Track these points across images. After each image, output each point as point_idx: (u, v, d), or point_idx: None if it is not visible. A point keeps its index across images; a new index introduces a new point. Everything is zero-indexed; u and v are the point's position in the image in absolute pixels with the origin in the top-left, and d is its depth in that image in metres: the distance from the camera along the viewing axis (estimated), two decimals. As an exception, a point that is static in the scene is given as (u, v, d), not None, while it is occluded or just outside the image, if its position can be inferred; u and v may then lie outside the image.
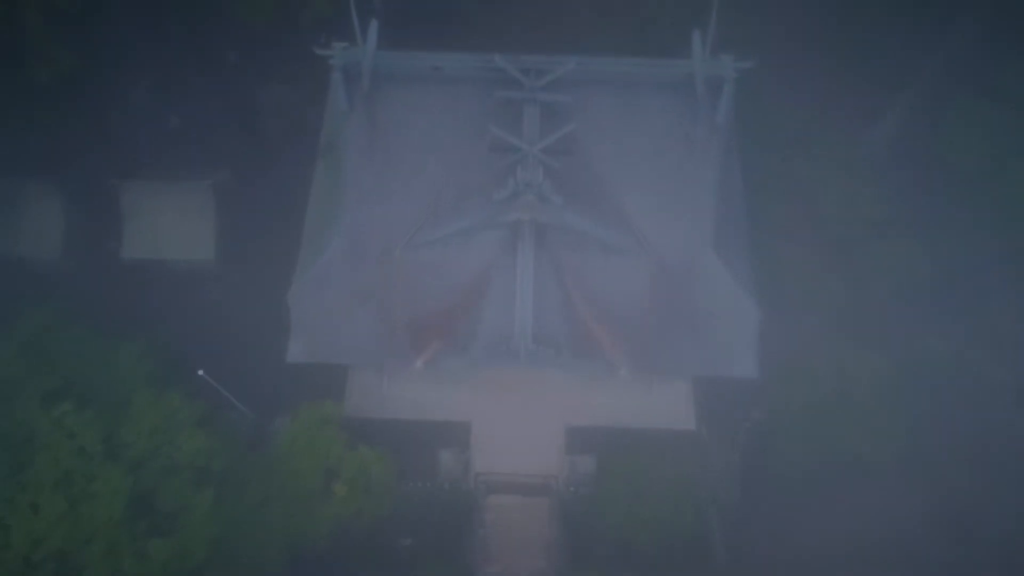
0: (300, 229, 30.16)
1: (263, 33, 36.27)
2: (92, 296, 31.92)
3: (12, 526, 21.93)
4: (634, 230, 27.37)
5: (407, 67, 25.87)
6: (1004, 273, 32.75)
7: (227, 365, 29.96)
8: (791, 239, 32.31)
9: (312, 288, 28.13)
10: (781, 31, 31.63)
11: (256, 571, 26.44)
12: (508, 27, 33.58)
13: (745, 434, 31.28)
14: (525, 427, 30.70)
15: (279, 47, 36.83)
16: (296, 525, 26.73)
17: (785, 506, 30.64)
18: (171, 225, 33.39)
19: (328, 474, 27.56)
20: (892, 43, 32.85)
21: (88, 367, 25.38)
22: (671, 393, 31.20)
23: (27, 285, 31.35)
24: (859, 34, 33.21)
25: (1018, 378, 31.85)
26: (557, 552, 29.52)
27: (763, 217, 31.58)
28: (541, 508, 29.99)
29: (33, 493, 22.25)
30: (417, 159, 26.98)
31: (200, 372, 25.56)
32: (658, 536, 28.32)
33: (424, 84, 26.21)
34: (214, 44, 37.82)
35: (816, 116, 32.72)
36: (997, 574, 30.08)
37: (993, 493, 31.45)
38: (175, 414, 24.07)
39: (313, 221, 30.03)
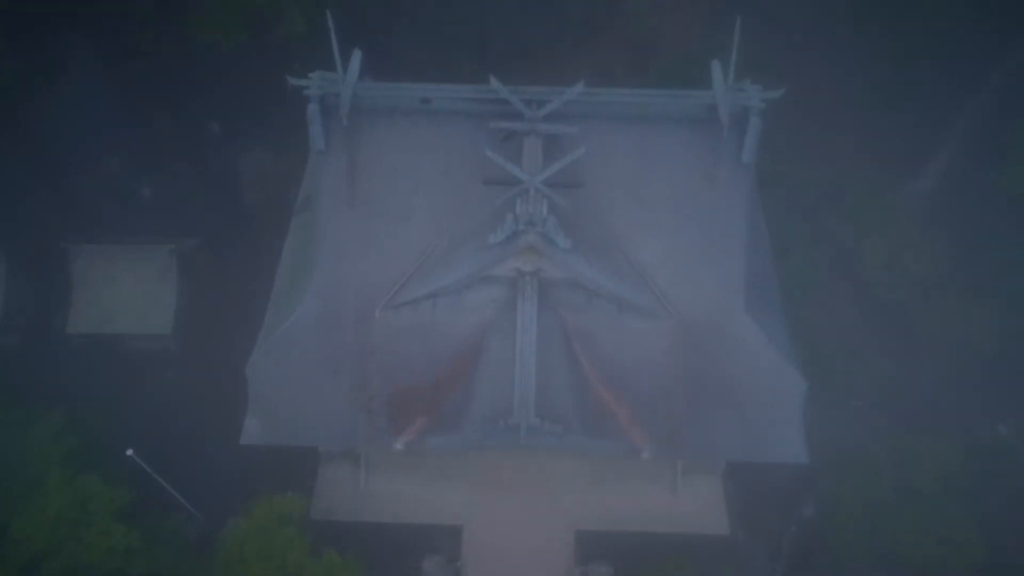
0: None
1: (246, 96, 34.17)
2: (26, 371, 27.77)
3: None
4: (652, 285, 23.63)
5: (392, 100, 23.06)
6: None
7: (178, 455, 26.31)
8: (829, 309, 28.66)
9: (276, 356, 24.11)
10: (802, 81, 29.17)
11: None
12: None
13: (791, 538, 26.47)
14: (527, 532, 26.25)
15: (264, 115, 34.80)
16: (240, 652, 21.29)
17: (840, 628, 25.40)
18: (126, 295, 29.75)
19: (285, 586, 22.46)
20: (928, 81, 30.29)
21: (-7, 442, 20.84)
22: (700, 489, 26.83)
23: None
24: (890, 75, 30.69)
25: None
26: None
27: (795, 285, 27.93)
28: (547, 632, 24.85)
29: None
30: (402, 205, 23.67)
31: (129, 452, 21.02)
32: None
33: (411, 119, 23.30)
34: (197, 114, 35.77)
35: (847, 169, 29.69)
36: None
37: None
38: (89, 501, 19.26)
39: (283, 282, 26.44)
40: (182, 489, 25.58)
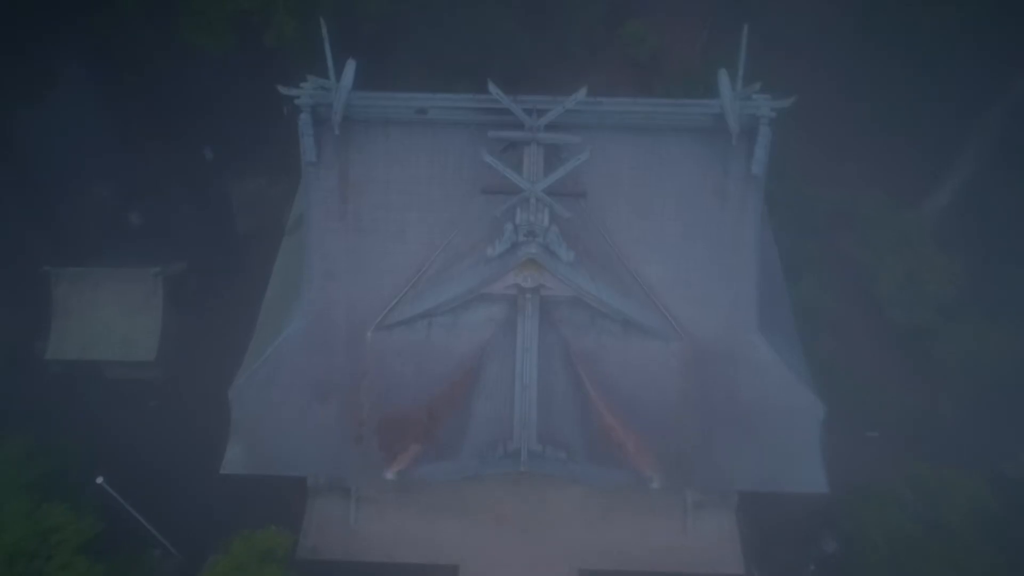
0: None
1: (240, 121, 33.47)
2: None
3: None
4: (659, 304, 22.43)
5: (386, 110, 22.18)
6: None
7: (159, 488, 25.17)
8: (843, 333, 27.35)
9: (261, 380, 22.78)
10: (809, 100, 28.41)
11: None
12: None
13: (812, 576, 24.64)
14: (528, 571, 24.46)
15: (258, 140, 34.11)
16: None
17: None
18: (109, 320, 28.46)
19: (265, 629, 20.72)
20: (939, 97, 29.33)
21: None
22: (712, 525, 25.24)
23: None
24: (900, 92, 29.76)
25: None
26: None
27: (807, 309, 26.76)
28: None
29: None
30: (396, 220, 22.63)
31: (99, 480, 19.52)
32: None
33: (406, 130, 22.38)
34: (190, 140, 35.02)
35: (858, 188, 28.66)
36: None
37: None
38: (52, 532, 17.65)
39: (271, 304, 25.24)
40: (161, 523, 24.10)
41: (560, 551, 24.71)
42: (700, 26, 32.87)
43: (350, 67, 22.08)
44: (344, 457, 22.48)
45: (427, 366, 22.44)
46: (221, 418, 23.69)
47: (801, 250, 27.81)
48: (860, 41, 30.39)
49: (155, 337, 28.54)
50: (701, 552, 24.73)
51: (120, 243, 32.49)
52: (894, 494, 24.53)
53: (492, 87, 21.05)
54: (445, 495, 24.83)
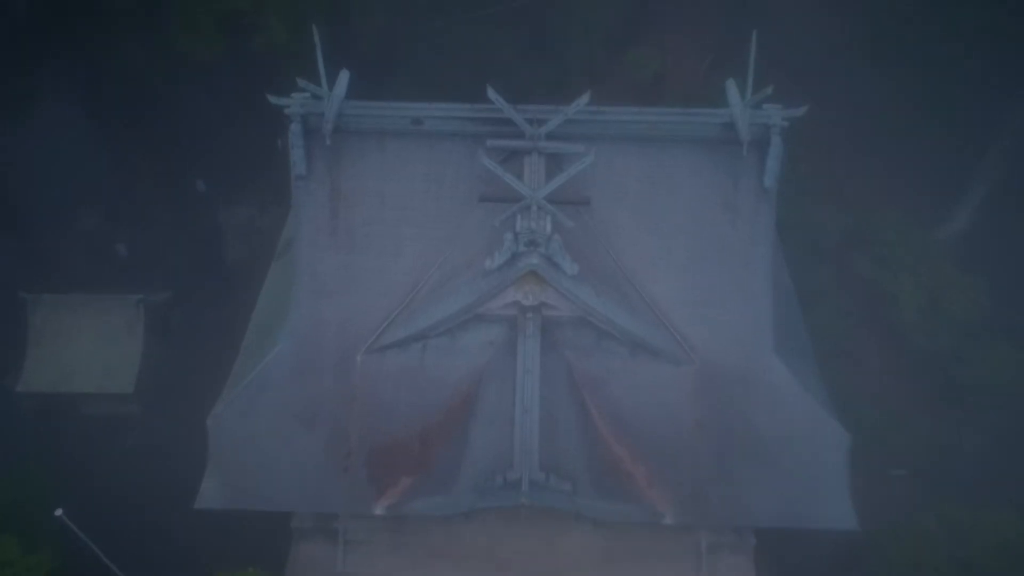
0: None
1: (233, 151, 32.61)
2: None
3: None
4: (669, 324, 21.06)
5: (380, 120, 21.21)
6: None
7: (132, 528, 23.83)
8: (862, 362, 25.90)
9: (242, 406, 21.22)
10: (820, 120, 27.60)
11: None
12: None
13: (839, 626, 22.72)
14: (529, 620, 22.31)
15: (251, 170, 33.25)
16: None
17: None
18: (87, 350, 27.04)
19: None
20: (955, 112, 28.37)
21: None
22: (728, 570, 23.15)
23: None
24: (914, 109, 28.84)
25: None
26: None
27: (824, 337, 25.38)
28: None
29: None
30: (389, 236, 21.37)
31: (58, 512, 17.88)
32: None
33: (401, 141, 21.37)
34: (180, 166, 34.18)
35: (874, 210, 27.55)
36: None
37: None
38: (4, 567, 15.93)
39: (257, 328, 23.84)
40: (134, 563, 22.21)
41: (565, 598, 22.90)
42: (705, 51, 32.37)
43: (343, 76, 21.16)
44: (330, 490, 20.73)
45: (421, 391, 20.90)
46: (202, 455, 22.12)
47: (815, 275, 26.57)
48: (869, 61, 29.72)
49: (134, 368, 27.09)
50: (717, 598, 22.88)
51: (103, 270, 31.34)
52: (923, 532, 22.82)
53: (491, 93, 20.11)
54: (440, 537, 22.97)
